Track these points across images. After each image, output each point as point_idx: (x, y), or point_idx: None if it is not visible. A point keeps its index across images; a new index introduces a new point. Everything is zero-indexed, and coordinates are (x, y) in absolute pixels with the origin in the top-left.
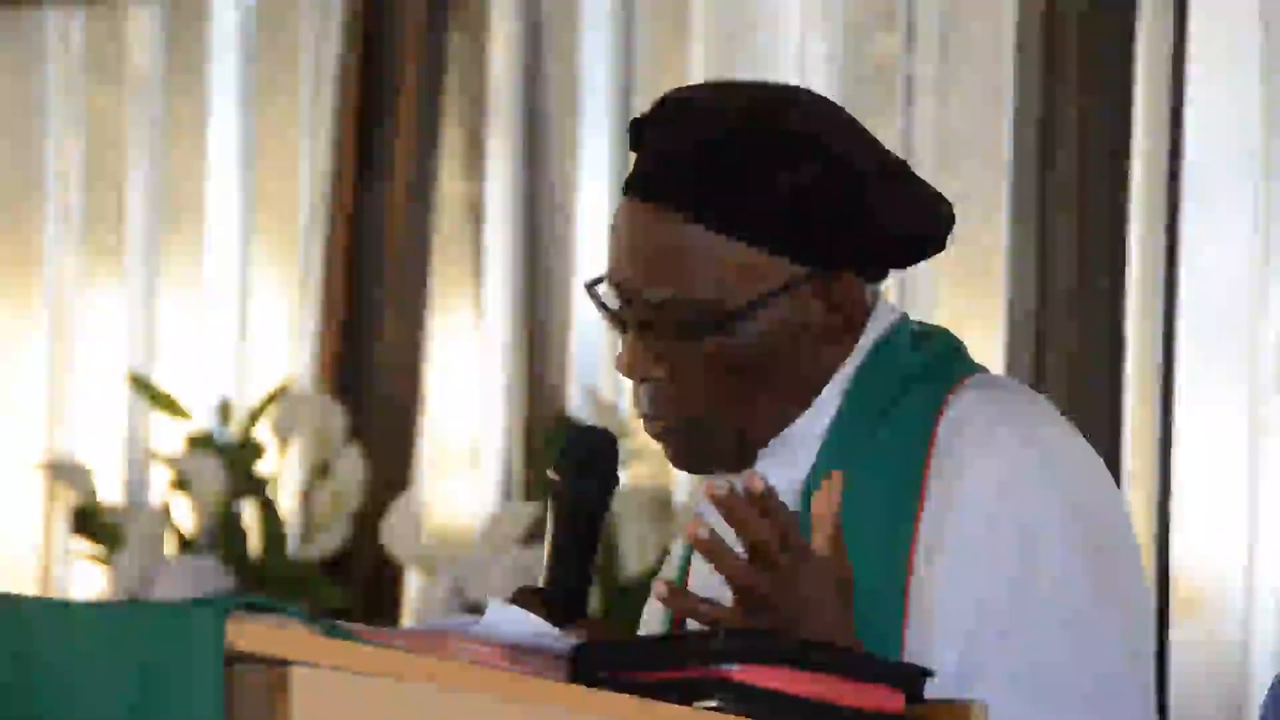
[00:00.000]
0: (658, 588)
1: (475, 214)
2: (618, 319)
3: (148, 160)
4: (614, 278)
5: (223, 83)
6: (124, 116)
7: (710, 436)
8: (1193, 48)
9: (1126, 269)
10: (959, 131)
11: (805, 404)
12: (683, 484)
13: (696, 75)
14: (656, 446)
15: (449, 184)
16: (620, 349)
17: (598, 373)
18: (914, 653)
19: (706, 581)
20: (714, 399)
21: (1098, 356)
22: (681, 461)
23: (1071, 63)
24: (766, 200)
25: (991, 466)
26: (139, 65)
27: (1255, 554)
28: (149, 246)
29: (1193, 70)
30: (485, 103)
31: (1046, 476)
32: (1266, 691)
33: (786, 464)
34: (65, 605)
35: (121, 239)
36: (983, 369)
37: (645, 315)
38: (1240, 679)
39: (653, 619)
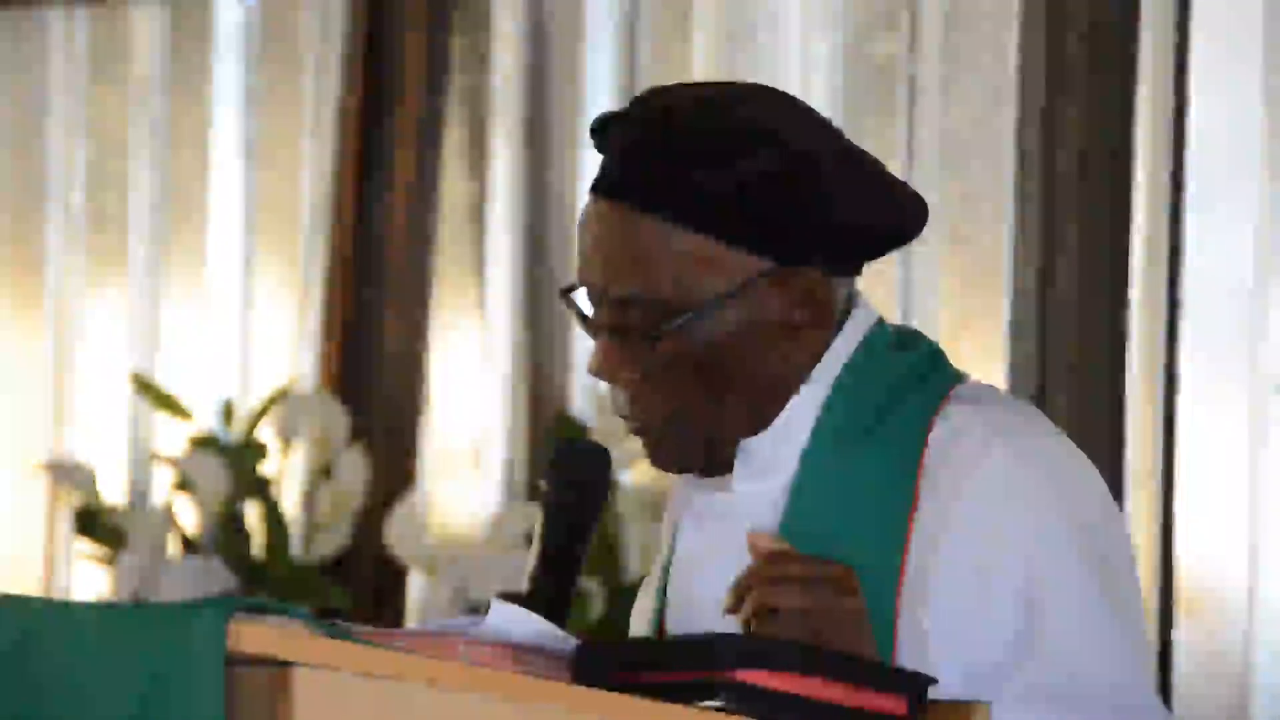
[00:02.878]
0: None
1: (477, 214)
2: (589, 323)
3: (150, 161)
4: (582, 279)
5: (225, 84)
6: (126, 118)
7: (681, 437)
8: (1195, 48)
9: (1129, 269)
10: (961, 132)
11: (776, 404)
12: None
13: (698, 76)
14: None
15: (451, 184)
16: (592, 353)
17: None
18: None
19: (687, 582)
20: (682, 398)
21: (1100, 357)
22: (657, 462)
23: (1074, 64)
24: (720, 190)
25: (990, 482)
26: (141, 67)
27: (1257, 554)
28: (152, 247)
29: (1195, 71)
30: (487, 103)
31: (1047, 490)
32: None
33: (764, 471)
34: (68, 606)
35: (124, 240)
36: (966, 376)
37: (611, 315)
38: (1242, 680)
39: (640, 619)
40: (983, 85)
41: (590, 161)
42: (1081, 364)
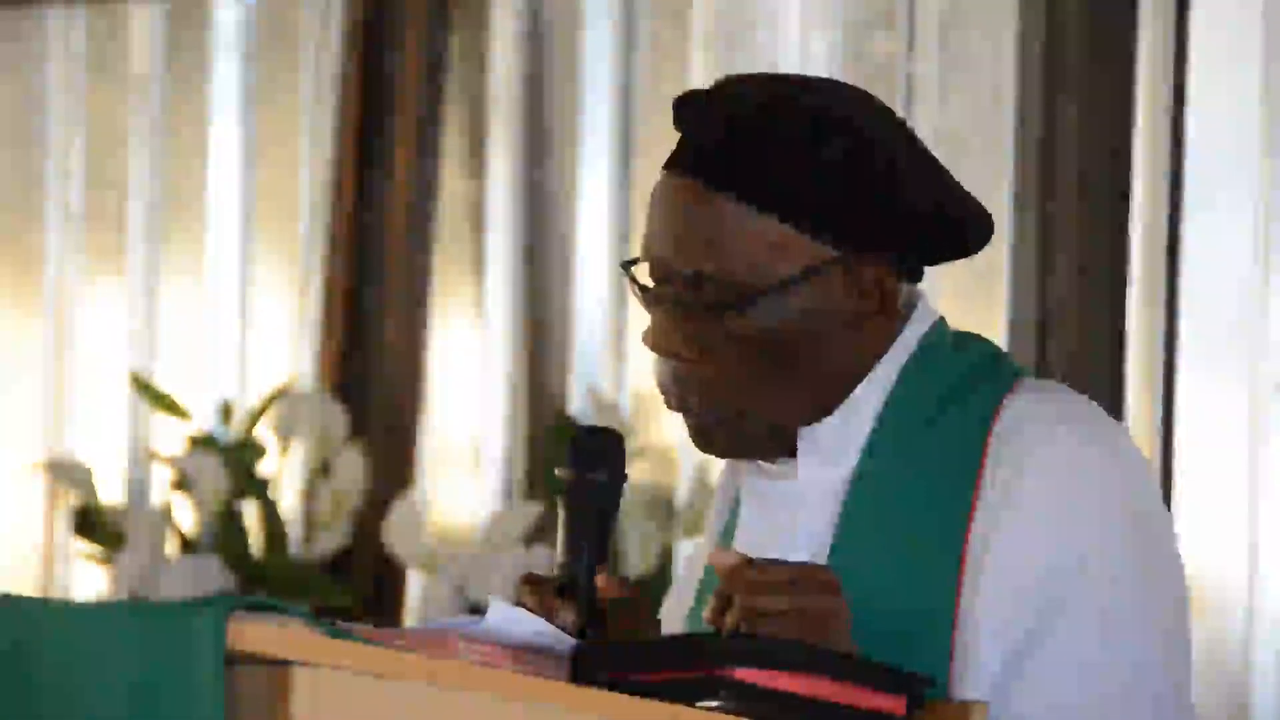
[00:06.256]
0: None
1: (476, 214)
2: (650, 296)
3: (148, 160)
4: (648, 253)
5: (223, 83)
6: (125, 116)
7: (743, 424)
8: (1194, 47)
9: (1128, 269)
10: (960, 131)
11: (839, 395)
12: (685, 484)
13: (697, 76)
14: (658, 446)
15: (450, 184)
16: (649, 325)
17: (598, 372)
18: (961, 657)
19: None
20: (744, 383)
21: (1099, 357)
22: (715, 448)
23: (1072, 63)
24: (796, 175)
25: (1051, 464)
26: (140, 65)
27: (1257, 554)
28: (150, 246)
29: (1194, 70)
30: (486, 103)
31: (1105, 478)
32: None
33: (826, 461)
34: (67, 606)
35: (122, 239)
36: (1029, 371)
37: (677, 291)
38: (1242, 679)
39: (677, 610)
40: (981, 84)
41: (588, 161)
42: (1080, 365)
